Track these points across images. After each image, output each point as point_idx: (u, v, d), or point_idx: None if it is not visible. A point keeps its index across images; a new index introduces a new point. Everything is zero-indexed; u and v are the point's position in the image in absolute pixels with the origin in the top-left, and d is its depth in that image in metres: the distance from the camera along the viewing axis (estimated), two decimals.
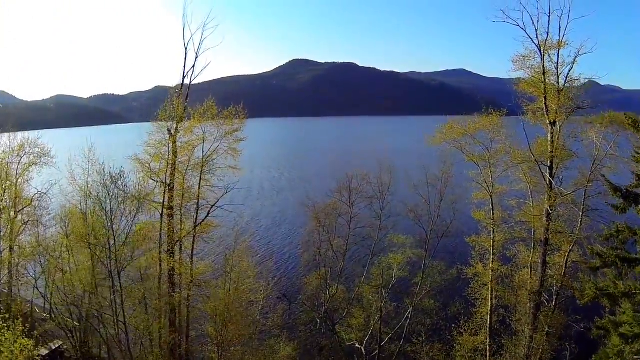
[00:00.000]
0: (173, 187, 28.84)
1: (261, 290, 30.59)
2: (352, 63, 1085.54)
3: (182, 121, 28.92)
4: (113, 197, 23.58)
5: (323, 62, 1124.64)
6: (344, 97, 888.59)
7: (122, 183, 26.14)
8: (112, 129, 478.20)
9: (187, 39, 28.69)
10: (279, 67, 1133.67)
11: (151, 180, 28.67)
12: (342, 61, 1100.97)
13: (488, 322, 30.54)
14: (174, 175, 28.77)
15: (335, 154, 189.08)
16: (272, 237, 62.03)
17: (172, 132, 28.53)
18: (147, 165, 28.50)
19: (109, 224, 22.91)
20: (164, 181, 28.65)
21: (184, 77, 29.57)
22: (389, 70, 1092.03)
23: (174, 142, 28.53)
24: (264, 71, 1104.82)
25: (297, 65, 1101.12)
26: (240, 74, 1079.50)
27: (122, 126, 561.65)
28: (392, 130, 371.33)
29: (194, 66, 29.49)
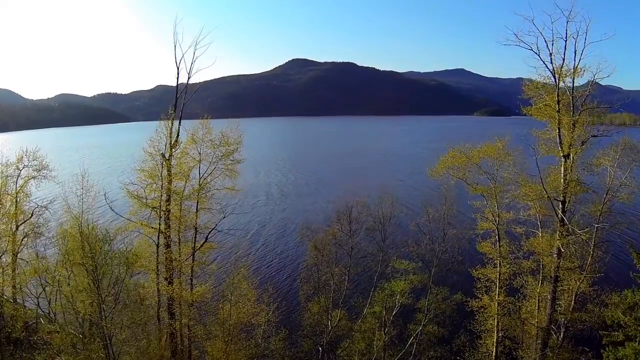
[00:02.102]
0: (169, 214, 27.73)
1: (262, 314, 29.59)
2: (352, 63, 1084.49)
3: (176, 146, 27.70)
4: (100, 257, 22.27)
5: (322, 61, 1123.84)
6: (344, 96, 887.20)
7: (109, 245, 24.91)
8: (116, 128, 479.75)
9: (179, 57, 27.26)
10: (279, 66, 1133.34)
11: (146, 208, 27.52)
12: (341, 61, 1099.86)
13: (493, 354, 29.51)
14: (170, 201, 27.64)
15: (335, 156, 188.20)
16: (273, 258, 59.80)
17: (167, 156, 27.34)
18: (143, 189, 27.44)
19: (96, 287, 21.63)
20: (159, 208, 27.53)
21: (177, 98, 28.27)
22: (388, 70, 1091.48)
23: (169, 168, 27.35)
24: (264, 71, 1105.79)
25: (297, 65, 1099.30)
26: (241, 73, 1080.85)
27: (126, 125, 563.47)
28: (391, 131, 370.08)
29: (186, 86, 28.26)
